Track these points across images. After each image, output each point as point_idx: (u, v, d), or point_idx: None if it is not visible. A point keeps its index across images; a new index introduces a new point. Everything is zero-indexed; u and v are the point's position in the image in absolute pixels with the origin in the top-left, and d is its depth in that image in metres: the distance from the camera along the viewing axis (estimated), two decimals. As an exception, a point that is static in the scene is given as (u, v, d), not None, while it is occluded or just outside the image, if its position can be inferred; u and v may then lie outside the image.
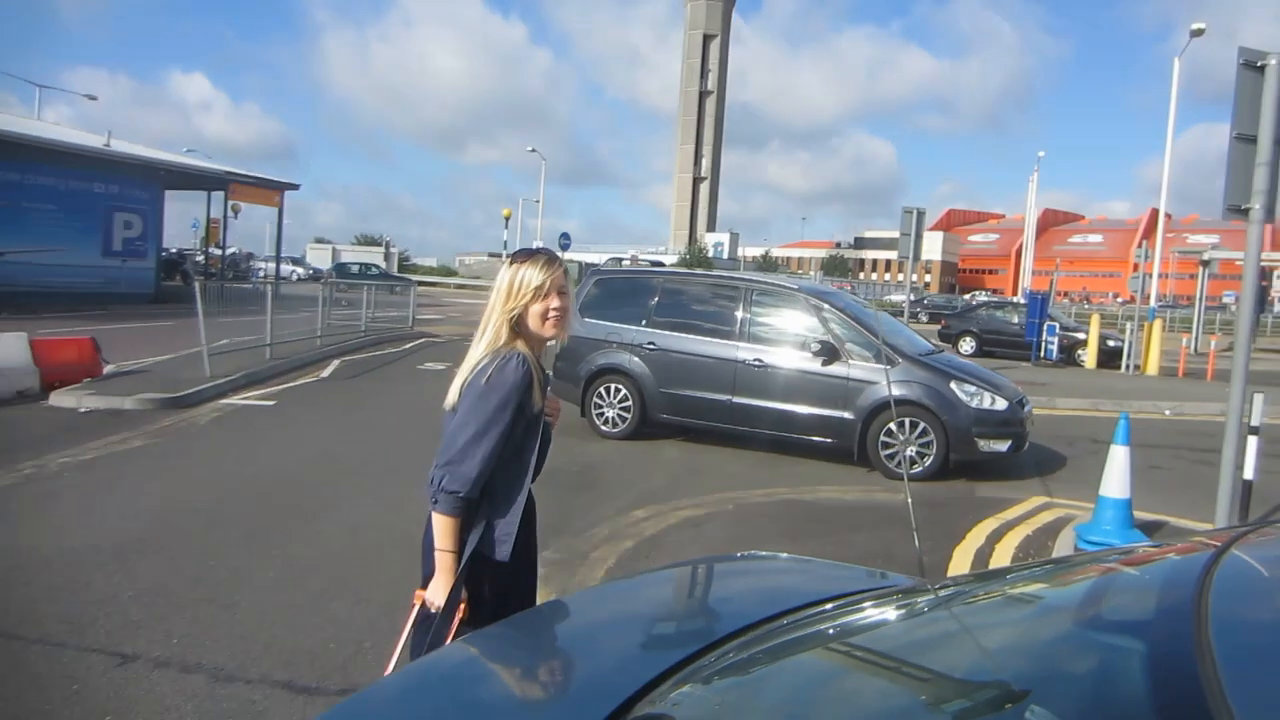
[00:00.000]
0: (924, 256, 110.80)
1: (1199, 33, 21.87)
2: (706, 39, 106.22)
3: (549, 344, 2.56)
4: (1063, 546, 6.07)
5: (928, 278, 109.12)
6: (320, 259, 56.07)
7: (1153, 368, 18.72)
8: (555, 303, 2.43)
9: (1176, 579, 1.33)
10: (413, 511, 4.14)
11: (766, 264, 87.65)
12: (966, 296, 57.52)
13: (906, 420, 8.34)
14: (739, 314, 9.15)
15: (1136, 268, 21.94)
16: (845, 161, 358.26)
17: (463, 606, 2.33)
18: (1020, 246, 63.88)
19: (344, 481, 7.24)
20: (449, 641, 2.21)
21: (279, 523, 5.95)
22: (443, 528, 2.35)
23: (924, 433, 8.29)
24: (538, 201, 53.48)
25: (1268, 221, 4.86)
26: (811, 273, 71.16)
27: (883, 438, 8.38)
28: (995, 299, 32.83)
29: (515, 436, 2.39)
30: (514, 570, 2.46)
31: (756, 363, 8.89)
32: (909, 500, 2.91)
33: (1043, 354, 19.68)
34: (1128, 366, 19.34)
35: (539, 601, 2.62)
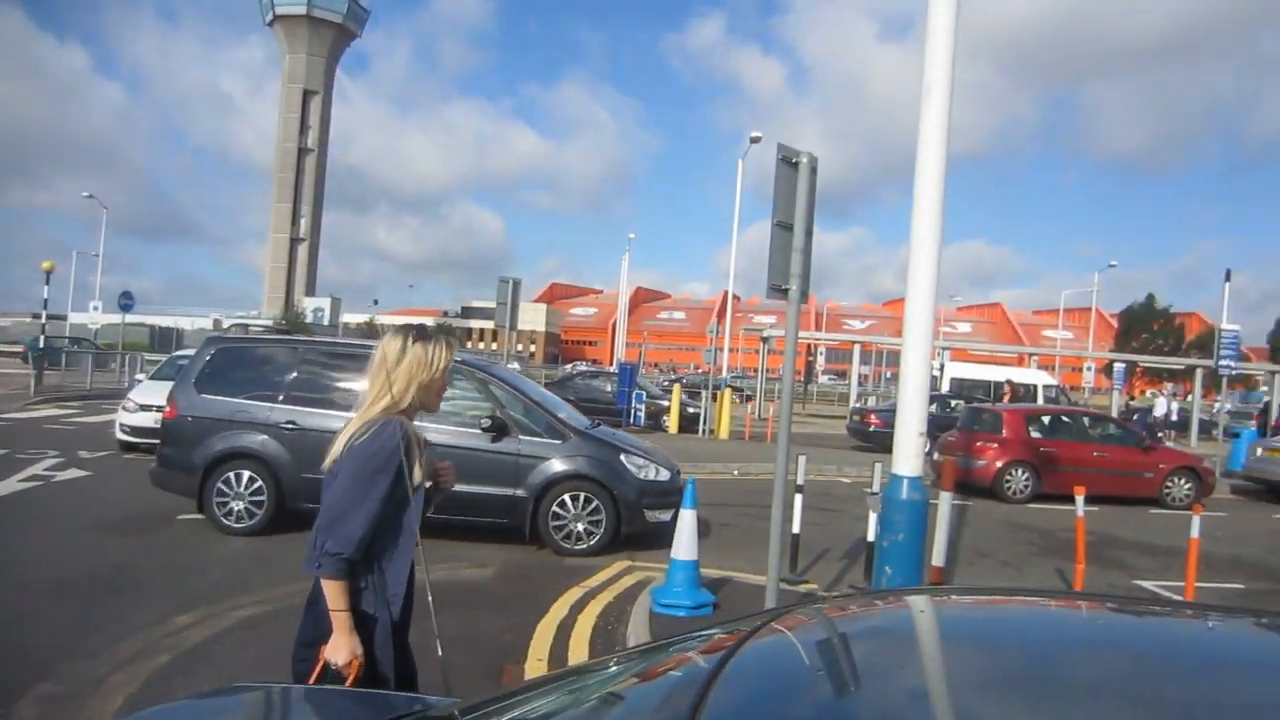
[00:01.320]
0: (529, 327, 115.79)
1: (757, 140, 25.23)
2: (307, 94, 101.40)
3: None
4: (639, 611, 6.20)
5: (533, 348, 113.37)
6: None
7: (724, 432, 20.81)
8: (444, 383, 2.67)
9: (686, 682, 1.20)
10: None
11: (370, 331, 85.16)
12: (567, 366, 60.31)
13: (581, 495, 8.21)
14: None
15: (710, 341, 24.35)
16: (454, 230, 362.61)
17: (357, 663, 2.42)
18: (615, 320, 68.94)
19: None
20: None
21: None
22: (332, 590, 2.44)
23: (594, 507, 8.20)
24: (97, 255, 47.15)
25: (803, 301, 5.38)
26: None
27: (554, 513, 8.17)
28: (591, 369, 34.69)
29: (396, 499, 2.49)
30: (401, 630, 2.60)
31: None
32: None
33: (631, 420, 20.97)
34: (704, 431, 21.27)
35: None
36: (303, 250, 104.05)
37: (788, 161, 5.20)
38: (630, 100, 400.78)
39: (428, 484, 2.65)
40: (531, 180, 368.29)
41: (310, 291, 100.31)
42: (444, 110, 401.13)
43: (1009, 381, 22.45)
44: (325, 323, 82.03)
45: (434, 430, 8.26)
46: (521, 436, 8.35)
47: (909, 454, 4.69)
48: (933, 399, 22.02)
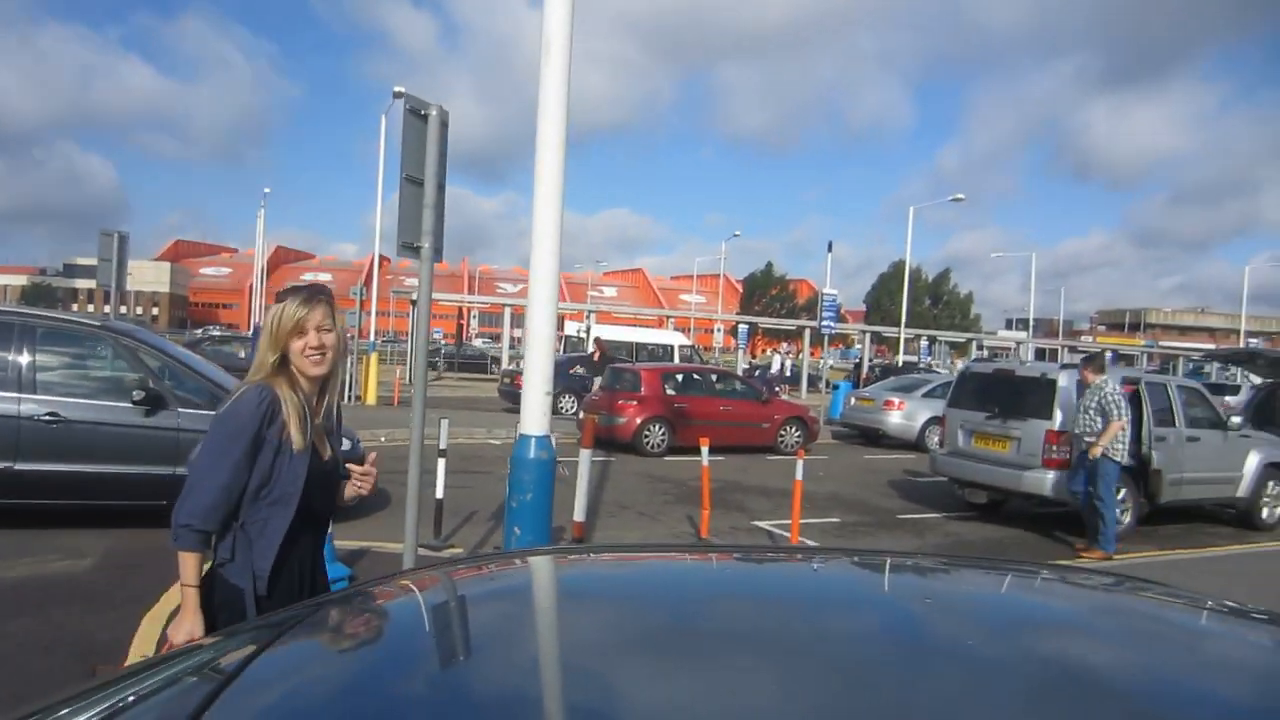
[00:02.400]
0: (150, 288, 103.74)
1: (400, 95, 24.24)
2: None
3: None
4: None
5: (155, 310, 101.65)
6: None
7: (372, 397, 20.04)
8: (314, 340, 2.43)
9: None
10: None
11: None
12: (198, 331, 54.88)
13: None
14: (20, 358, 7.09)
15: (354, 304, 23.26)
16: (52, 176, 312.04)
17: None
18: (253, 282, 63.73)
19: None
20: None
21: None
22: (183, 563, 2.36)
23: None
24: None
25: (436, 259, 5.18)
26: (8, 302, 60.14)
27: None
28: (224, 333, 31.74)
29: (262, 469, 2.39)
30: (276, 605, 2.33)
31: (51, 417, 6.99)
32: None
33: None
34: (350, 397, 20.31)
35: None
36: None
37: (416, 113, 4.95)
38: (265, 43, 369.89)
39: (326, 458, 2.57)
40: (149, 123, 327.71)
41: None
42: (32, 34, 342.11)
43: (598, 340, 22.53)
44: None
45: (73, 405, 7.19)
46: (180, 409, 7.45)
47: (535, 414, 4.69)
48: (578, 360, 22.91)
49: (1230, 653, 1.31)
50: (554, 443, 6.80)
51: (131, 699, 1.05)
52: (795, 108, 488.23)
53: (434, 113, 4.99)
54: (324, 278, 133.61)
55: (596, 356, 19.06)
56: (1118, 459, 8.46)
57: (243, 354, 21.40)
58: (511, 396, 21.06)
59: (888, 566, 1.78)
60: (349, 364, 21.24)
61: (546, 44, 4.81)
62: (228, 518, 2.41)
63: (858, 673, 1.09)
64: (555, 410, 18.48)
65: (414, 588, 1.56)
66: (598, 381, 17.66)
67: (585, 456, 7.77)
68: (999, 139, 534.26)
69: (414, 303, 31.54)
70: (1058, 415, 9.37)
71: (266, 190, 46.79)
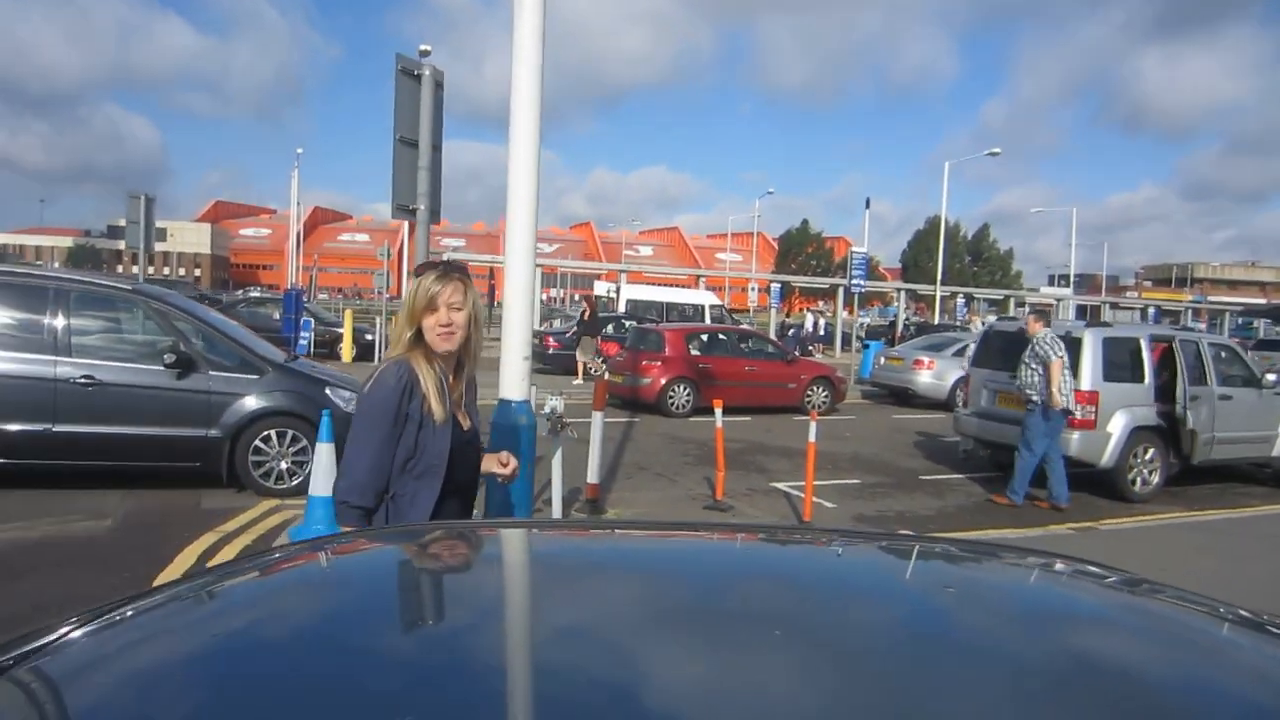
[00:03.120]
0: (191, 249, 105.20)
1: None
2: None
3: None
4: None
5: (198, 272, 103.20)
6: None
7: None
8: (444, 317, 2.45)
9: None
10: None
11: (-8, 254, 73.16)
12: (238, 293, 55.71)
13: (289, 432, 7.64)
14: (56, 322, 7.25)
15: (383, 265, 23.34)
16: (96, 137, 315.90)
17: None
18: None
19: None
20: None
21: None
22: None
23: (301, 446, 7.63)
24: None
25: (434, 221, 5.14)
26: (55, 263, 61.44)
27: (252, 455, 7.54)
28: (261, 294, 32.13)
29: (407, 443, 2.45)
30: None
31: (87, 380, 7.14)
32: None
33: (299, 348, 19.75)
34: (379, 358, 20.47)
35: None
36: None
37: (408, 74, 4.88)
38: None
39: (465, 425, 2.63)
40: (187, 82, 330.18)
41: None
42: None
43: (586, 298, 22.10)
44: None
45: (108, 369, 7.35)
46: (212, 373, 7.59)
47: (514, 378, 4.61)
48: (609, 320, 22.88)
49: (1133, 634, 1.25)
50: (560, 405, 6.81)
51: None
52: (836, 62, 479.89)
53: (427, 73, 4.92)
54: (360, 238, 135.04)
55: (586, 314, 18.90)
56: (1066, 406, 8.45)
57: (276, 315, 21.66)
58: (539, 356, 21.13)
59: (854, 548, 1.72)
60: (378, 325, 21.42)
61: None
62: (381, 492, 2.50)
63: (817, 658, 1.05)
64: (582, 371, 18.64)
65: (323, 559, 1.53)
66: (586, 340, 17.62)
67: (598, 419, 7.75)
68: (1046, 91, 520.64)
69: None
70: (1085, 374, 9.17)
71: (299, 150, 46.89)
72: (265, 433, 7.66)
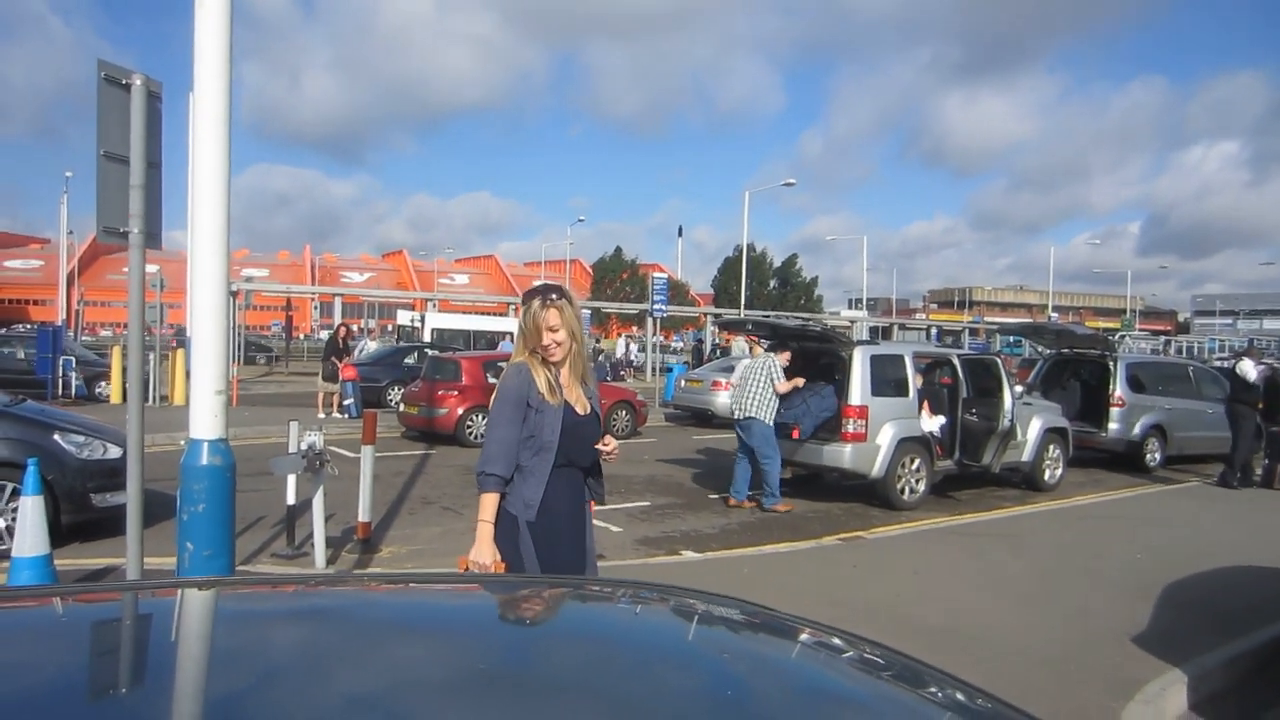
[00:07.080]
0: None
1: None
2: None
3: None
4: None
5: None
6: None
7: (180, 397, 18.62)
8: (545, 339, 3.19)
9: None
10: None
11: None
12: (1, 331, 50.30)
13: (6, 485, 6.70)
14: None
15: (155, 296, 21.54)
16: None
17: (497, 564, 3.06)
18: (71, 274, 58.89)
19: None
20: None
21: None
22: (482, 504, 3.17)
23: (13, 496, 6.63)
24: None
25: (153, 245, 4.71)
26: None
27: None
28: (3, 333, 28.77)
29: (529, 425, 3.17)
30: (550, 534, 3.20)
31: None
32: None
33: (62, 391, 17.97)
34: (154, 398, 18.86)
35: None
36: None
37: (114, 83, 4.44)
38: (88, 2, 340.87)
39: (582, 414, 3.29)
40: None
41: None
42: None
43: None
44: None
45: None
46: None
47: (206, 415, 4.20)
48: (413, 349, 22.20)
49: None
50: (320, 441, 6.41)
51: None
52: (664, 90, 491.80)
53: (138, 83, 4.50)
54: (149, 270, 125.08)
55: (342, 334, 17.94)
56: (769, 420, 9.50)
57: (22, 355, 19.52)
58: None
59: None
60: (153, 361, 19.71)
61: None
62: (513, 462, 3.16)
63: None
64: (382, 403, 17.84)
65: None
66: (336, 365, 16.78)
67: (368, 453, 7.38)
68: (858, 126, 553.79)
69: (232, 294, 29.79)
70: (854, 389, 9.62)
71: (68, 174, 42.33)
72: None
